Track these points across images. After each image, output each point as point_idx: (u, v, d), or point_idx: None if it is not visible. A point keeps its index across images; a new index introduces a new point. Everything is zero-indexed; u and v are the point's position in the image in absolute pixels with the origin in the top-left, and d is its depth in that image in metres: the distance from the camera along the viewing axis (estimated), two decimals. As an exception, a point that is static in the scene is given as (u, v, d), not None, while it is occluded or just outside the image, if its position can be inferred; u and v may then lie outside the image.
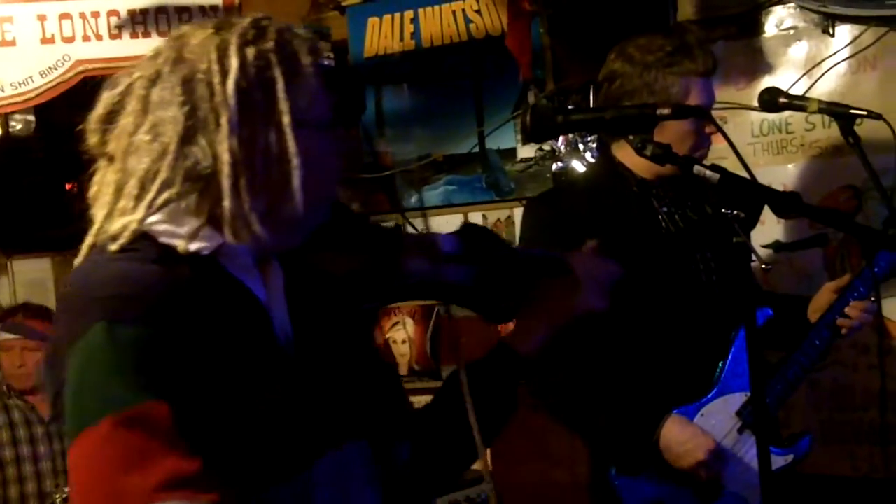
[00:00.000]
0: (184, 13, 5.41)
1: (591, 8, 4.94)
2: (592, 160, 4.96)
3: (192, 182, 1.96)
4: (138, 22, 5.35)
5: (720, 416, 3.52)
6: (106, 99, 2.09)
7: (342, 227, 2.17)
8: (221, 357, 1.92)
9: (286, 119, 1.97)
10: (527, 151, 5.47)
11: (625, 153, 3.58)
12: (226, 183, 1.94)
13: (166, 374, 1.84)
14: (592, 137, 5.00)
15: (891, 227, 3.49)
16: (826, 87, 4.75)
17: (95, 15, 5.31)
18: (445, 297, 2.37)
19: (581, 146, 5.08)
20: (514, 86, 5.34)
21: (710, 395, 3.52)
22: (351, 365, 2.19)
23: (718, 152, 3.71)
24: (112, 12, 5.33)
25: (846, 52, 4.75)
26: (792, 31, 4.90)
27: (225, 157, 1.93)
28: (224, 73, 1.95)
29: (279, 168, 1.97)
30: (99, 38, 5.33)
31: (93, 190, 2.13)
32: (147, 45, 5.34)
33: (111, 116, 2.07)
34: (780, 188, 4.72)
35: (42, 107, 5.45)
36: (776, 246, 4.80)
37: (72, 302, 1.94)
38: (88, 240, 2.10)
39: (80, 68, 5.32)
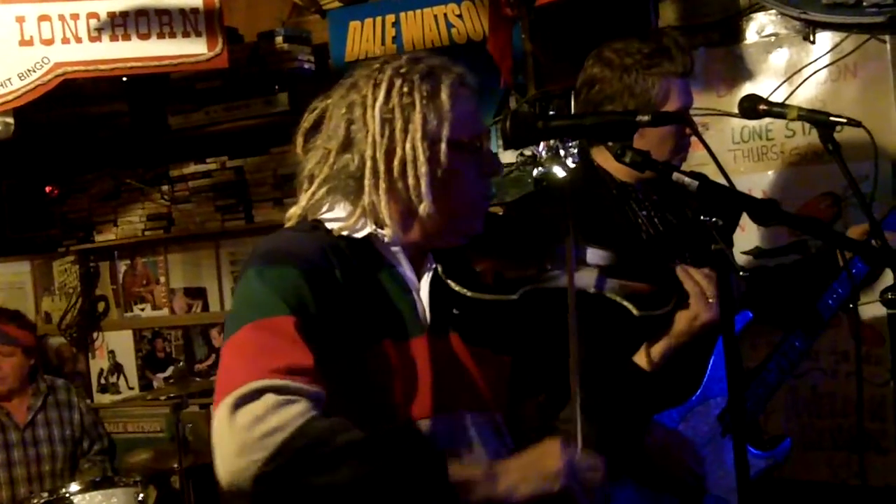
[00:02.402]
0: (164, 15, 5.40)
1: (572, 14, 4.94)
2: (574, 165, 4.96)
3: (346, 180, 2.54)
4: (118, 24, 5.33)
5: (702, 421, 3.51)
6: (306, 117, 2.64)
7: (496, 234, 2.67)
8: (355, 312, 2.43)
9: (418, 135, 2.48)
10: (508, 157, 5.46)
11: (604, 157, 3.56)
12: (367, 183, 2.51)
13: (302, 298, 2.35)
14: (573, 143, 4.99)
15: (871, 235, 3.48)
16: (806, 94, 4.76)
17: (75, 17, 5.29)
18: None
19: (562, 151, 5.08)
20: (495, 91, 5.33)
21: (693, 400, 3.51)
22: (480, 350, 2.67)
23: (699, 159, 3.71)
24: (91, 14, 5.31)
25: (827, 60, 4.76)
26: (773, 38, 4.91)
27: (368, 164, 2.50)
28: (374, 98, 2.50)
29: (413, 173, 2.48)
30: (78, 40, 5.30)
31: None
32: (126, 47, 5.33)
33: (310, 130, 2.63)
34: (761, 195, 4.73)
35: (21, 109, 5.41)
36: (757, 252, 4.81)
37: (245, 260, 2.50)
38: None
39: (60, 71, 5.30)
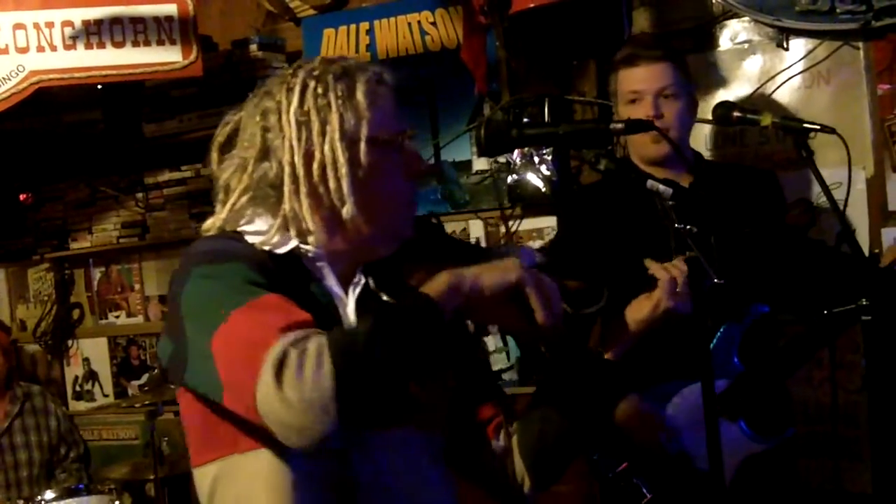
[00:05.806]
0: (138, 23, 5.39)
1: (546, 21, 4.94)
2: (548, 172, 4.98)
3: (266, 190, 2.47)
4: (93, 32, 5.33)
5: (696, 401, 3.56)
6: (220, 129, 2.61)
7: (428, 242, 2.57)
8: None
9: (336, 135, 2.42)
10: (482, 164, 5.47)
11: (635, 153, 3.98)
12: (287, 190, 2.44)
13: (264, 284, 2.29)
14: (548, 150, 5.01)
15: (843, 242, 3.50)
16: (780, 100, 4.78)
17: (49, 25, 5.28)
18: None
19: (536, 159, 5.09)
20: (469, 98, 5.34)
21: (690, 381, 3.55)
22: None
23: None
24: (66, 23, 5.31)
25: (800, 66, 4.78)
26: (746, 45, 4.93)
27: (287, 169, 2.43)
28: (289, 103, 2.45)
29: (333, 175, 2.41)
30: (53, 48, 5.30)
31: None
32: (101, 55, 5.32)
33: (225, 143, 2.59)
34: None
35: (-5, 117, 5.41)
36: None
37: (176, 269, 2.40)
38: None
39: (35, 79, 5.29)
